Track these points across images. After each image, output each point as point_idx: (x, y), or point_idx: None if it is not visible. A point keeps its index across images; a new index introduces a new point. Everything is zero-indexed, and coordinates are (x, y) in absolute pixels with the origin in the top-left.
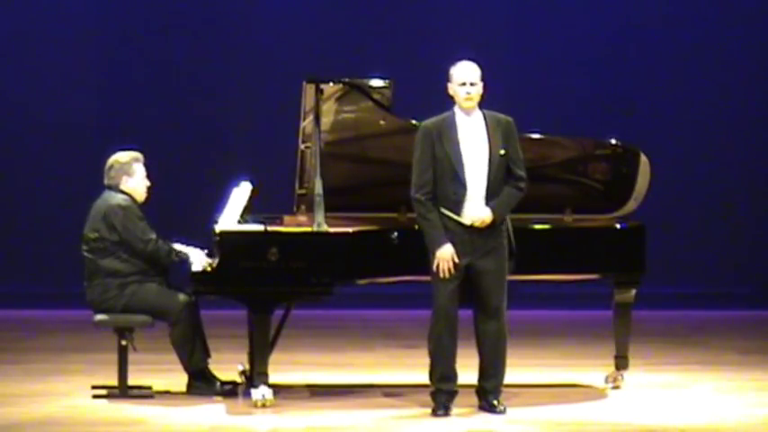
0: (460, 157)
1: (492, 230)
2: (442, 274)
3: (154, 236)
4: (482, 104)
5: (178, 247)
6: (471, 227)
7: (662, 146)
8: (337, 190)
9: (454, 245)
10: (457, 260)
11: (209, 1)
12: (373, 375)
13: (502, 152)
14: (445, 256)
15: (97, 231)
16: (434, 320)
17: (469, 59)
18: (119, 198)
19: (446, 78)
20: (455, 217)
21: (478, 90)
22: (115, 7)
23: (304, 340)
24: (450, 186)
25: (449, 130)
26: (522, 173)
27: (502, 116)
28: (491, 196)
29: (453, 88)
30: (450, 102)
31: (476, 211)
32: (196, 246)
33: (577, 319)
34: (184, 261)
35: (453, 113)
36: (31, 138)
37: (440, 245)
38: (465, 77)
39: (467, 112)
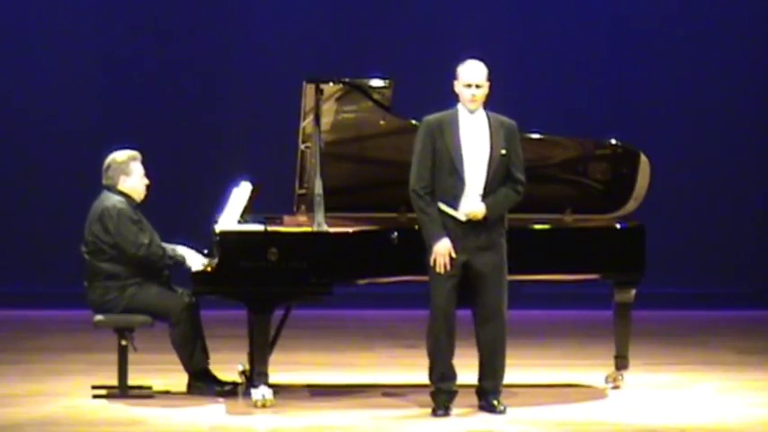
0: (460, 151)
1: (488, 228)
2: (438, 269)
3: (146, 240)
4: (485, 105)
5: (179, 249)
6: (467, 223)
7: (662, 146)
8: (337, 190)
9: (451, 241)
10: (454, 255)
11: (208, 1)
12: (373, 375)
13: (503, 152)
14: (442, 250)
15: (94, 233)
16: (432, 320)
17: (474, 59)
18: (114, 200)
19: (451, 78)
20: (451, 212)
21: (484, 92)
22: (115, 7)
23: (304, 340)
24: (448, 180)
25: (451, 125)
26: (521, 176)
27: (505, 119)
28: (488, 194)
29: (459, 87)
30: (452, 99)
31: (470, 205)
32: (193, 247)
33: (577, 319)
34: (180, 264)
35: (457, 111)
36: (30, 138)
37: (437, 239)
38: (471, 79)
39: (470, 111)
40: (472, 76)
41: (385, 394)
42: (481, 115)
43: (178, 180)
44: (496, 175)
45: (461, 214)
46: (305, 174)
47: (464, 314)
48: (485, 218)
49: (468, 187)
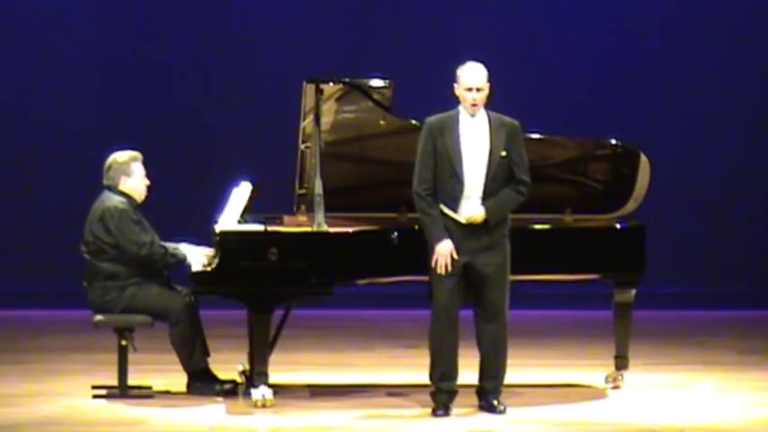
0: (460, 154)
1: (489, 229)
2: (439, 270)
3: (148, 239)
4: (486, 106)
5: (181, 247)
6: (468, 224)
7: (662, 146)
8: (337, 190)
9: (453, 242)
10: (456, 256)
11: (208, 1)
12: (373, 375)
13: (503, 154)
14: (444, 251)
15: (94, 233)
16: (434, 319)
17: (474, 60)
18: (115, 200)
19: (451, 78)
20: (452, 214)
21: (484, 94)
22: (115, 8)
23: (304, 340)
24: (448, 183)
25: (451, 127)
26: (524, 177)
27: (507, 119)
28: (489, 196)
29: (459, 91)
30: (453, 99)
31: (470, 208)
32: (197, 243)
33: (577, 319)
34: (182, 262)
35: (458, 112)
36: (30, 137)
37: (439, 240)
38: (472, 83)
39: (471, 114)
40: (473, 79)
41: (385, 394)
42: (482, 117)
43: (178, 180)
44: (496, 177)
45: (461, 217)
46: (305, 174)
47: (464, 314)
48: (485, 221)
49: (468, 189)
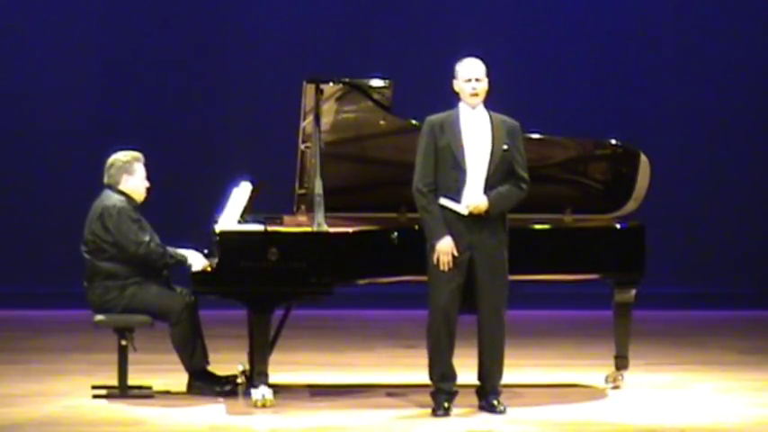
0: (462, 145)
1: (490, 225)
2: (441, 267)
3: (147, 238)
4: (485, 103)
5: (180, 250)
6: (469, 219)
7: (661, 146)
8: (337, 190)
9: (453, 239)
10: (456, 254)
11: (209, 1)
12: (373, 375)
13: (505, 147)
14: (445, 248)
15: (94, 232)
16: (432, 319)
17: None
18: (114, 198)
19: (452, 76)
20: (453, 206)
21: (484, 86)
22: (115, 7)
23: (304, 340)
24: (450, 174)
25: (452, 122)
26: (524, 174)
27: (507, 118)
28: (490, 188)
29: (459, 84)
30: (452, 99)
31: (473, 197)
32: (194, 247)
33: (577, 319)
34: (181, 264)
35: (458, 109)
36: (30, 137)
37: (440, 237)
38: (470, 74)
39: (472, 107)
40: (471, 71)
41: (385, 394)
42: (482, 112)
43: (178, 180)
44: (498, 171)
45: (464, 207)
46: (305, 174)
47: (465, 315)
48: (487, 212)
49: (470, 180)
